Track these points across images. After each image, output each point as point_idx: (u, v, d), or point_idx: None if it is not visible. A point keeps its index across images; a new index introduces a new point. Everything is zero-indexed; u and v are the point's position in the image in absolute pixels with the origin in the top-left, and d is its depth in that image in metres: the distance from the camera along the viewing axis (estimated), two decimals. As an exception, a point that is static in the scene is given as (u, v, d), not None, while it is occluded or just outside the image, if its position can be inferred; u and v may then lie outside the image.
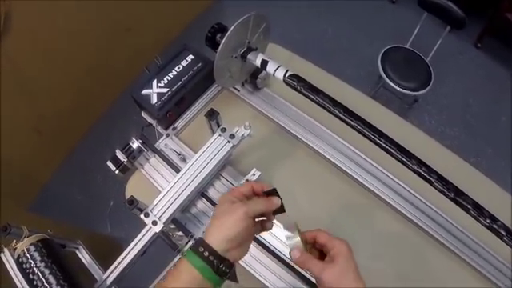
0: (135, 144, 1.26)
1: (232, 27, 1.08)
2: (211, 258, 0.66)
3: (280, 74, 1.13)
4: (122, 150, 1.25)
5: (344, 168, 1.29)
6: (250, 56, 1.19)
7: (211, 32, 1.25)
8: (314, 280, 0.95)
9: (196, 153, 1.14)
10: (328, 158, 1.31)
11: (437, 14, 2.41)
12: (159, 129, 1.41)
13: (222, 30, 1.27)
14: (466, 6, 2.31)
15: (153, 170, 1.32)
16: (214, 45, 1.28)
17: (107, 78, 2.87)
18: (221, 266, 0.66)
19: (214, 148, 1.10)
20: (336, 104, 1.06)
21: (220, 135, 1.11)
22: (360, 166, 1.30)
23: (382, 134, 1.03)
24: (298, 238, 0.71)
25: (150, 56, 3.09)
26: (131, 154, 1.26)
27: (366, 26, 3.57)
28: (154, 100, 1.35)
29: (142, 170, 1.32)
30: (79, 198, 2.87)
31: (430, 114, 3.07)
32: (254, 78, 1.35)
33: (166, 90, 1.37)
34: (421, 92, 2.47)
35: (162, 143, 1.37)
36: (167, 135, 1.38)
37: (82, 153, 2.99)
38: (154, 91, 1.37)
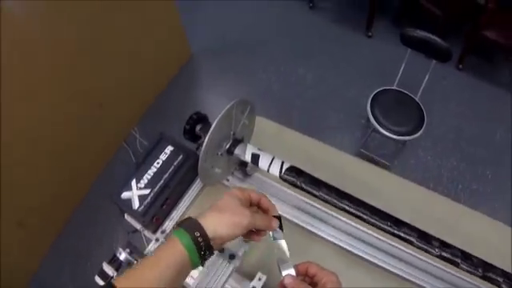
0: (122, 255, 1.12)
1: (214, 124, 0.96)
2: (202, 243, 0.66)
3: (275, 170, 1.01)
4: (109, 262, 1.11)
5: (352, 250, 1.16)
6: (237, 151, 1.07)
7: (189, 124, 1.12)
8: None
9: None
10: (332, 240, 1.17)
11: (421, 50, 2.32)
12: (146, 233, 1.26)
13: (202, 119, 1.15)
14: (442, 30, 2.24)
15: (145, 281, 1.16)
16: (194, 137, 1.16)
17: (85, 158, 2.73)
18: (207, 253, 0.67)
19: (215, 271, 0.95)
20: (342, 196, 0.94)
21: (217, 255, 0.97)
22: (370, 245, 1.17)
23: (398, 222, 0.92)
24: (292, 268, 0.72)
25: (127, 128, 3.01)
26: (120, 267, 1.11)
27: (346, 67, 3.49)
28: (136, 204, 1.21)
29: (133, 281, 1.17)
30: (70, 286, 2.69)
31: (424, 149, 2.96)
32: (244, 165, 1.21)
33: (147, 191, 1.22)
34: (415, 135, 2.34)
35: (152, 249, 1.22)
36: (156, 240, 1.23)
37: (68, 239, 2.81)
38: (135, 194, 1.23)
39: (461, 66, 3.39)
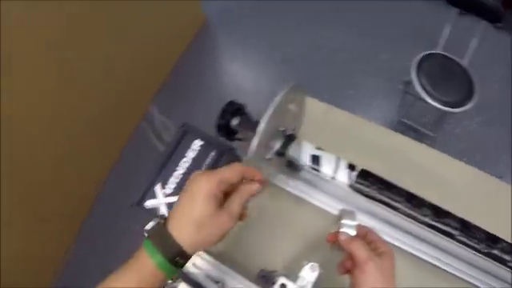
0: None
1: (261, 124, 0.71)
2: (180, 261, 0.57)
3: (343, 177, 0.77)
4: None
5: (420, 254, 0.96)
6: (290, 152, 0.82)
7: (225, 118, 0.88)
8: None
9: (235, 272, 0.89)
10: (396, 244, 0.96)
11: (469, 9, 2.04)
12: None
13: (237, 111, 0.90)
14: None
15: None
16: (230, 133, 0.92)
17: (99, 145, 2.52)
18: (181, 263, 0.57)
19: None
20: (428, 207, 0.77)
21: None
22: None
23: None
24: (354, 222, 0.67)
25: (143, 106, 2.77)
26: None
27: (378, 28, 3.15)
28: (165, 214, 0.98)
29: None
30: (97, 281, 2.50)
31: (469, 118, 2.70)
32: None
33: (176, 198, 0.98)
34: (467, 107, 2.05)
35: (189, 262, 0.99)
36: (194, 252, 1.01)
37: (92, 233, 2.62)
38: (161, 201, 0.99)
39: (500, 24, 3.10)
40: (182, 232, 0.56)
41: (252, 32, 3.21)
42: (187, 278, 0.91)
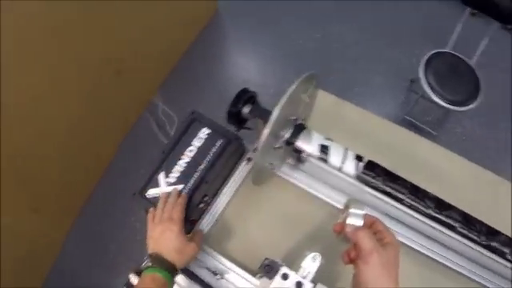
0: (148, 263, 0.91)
1: (275, 113, 0.72)
2: (175, 273, 0.83)
3: (350, 167, 0.78)
4: (136, 273, 0.91)
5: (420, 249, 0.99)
6: (299, 142, 0.83)
7: (237, 106, 0.89)
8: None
9: (233, 263, 0.93)
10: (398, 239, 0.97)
11: (482, 9, 2.05)
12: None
13: (249, 99, 0.91)
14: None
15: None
16: (240, 122, 0.92)
17: (101, 133, 2.49)
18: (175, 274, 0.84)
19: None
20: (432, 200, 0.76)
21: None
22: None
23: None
24: (361, 212, 0.67)
25: (148, 96, 2.76)
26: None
27: (388, 25, 3.14)
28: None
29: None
30: (93, 270, 2.52)
31: (471, 118, 2.71)
32: (298, 152, 0.97)
33: (179, 187, 0.99)
34: (471, 106, 2.08)
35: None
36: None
37: (87, 224, 2.62)
38: (164, 190, 1.00)
39: (510, 26, 3.08)
40: (171, 257, 0.83)
41: (263, 25, 3.21)
42: (185, 270, 0.94)
